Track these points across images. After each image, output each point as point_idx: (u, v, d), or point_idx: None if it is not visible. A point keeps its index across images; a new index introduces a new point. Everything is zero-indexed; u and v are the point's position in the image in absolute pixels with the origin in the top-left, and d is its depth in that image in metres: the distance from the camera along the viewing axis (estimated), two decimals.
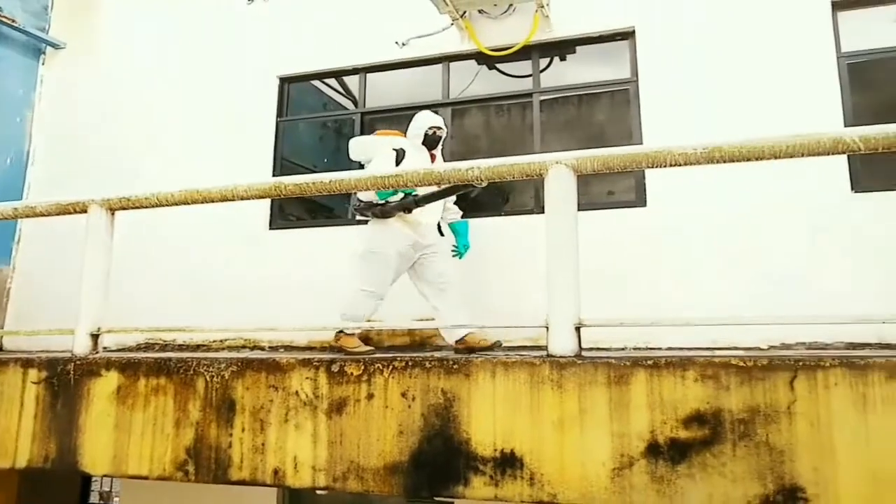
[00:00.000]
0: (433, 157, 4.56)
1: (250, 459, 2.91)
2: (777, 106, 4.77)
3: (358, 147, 4.74)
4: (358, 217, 4.58)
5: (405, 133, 4.57)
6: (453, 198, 4.61)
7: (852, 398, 2.29)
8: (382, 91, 6.14)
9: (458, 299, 4.42)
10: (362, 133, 5.96)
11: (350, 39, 6.09)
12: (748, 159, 2.61)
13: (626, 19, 5.32)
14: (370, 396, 2.79)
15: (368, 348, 4.20)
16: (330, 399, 2.83)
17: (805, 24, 4.87)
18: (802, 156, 2.55)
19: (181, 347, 5.81)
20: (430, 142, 4.50)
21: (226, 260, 5.88)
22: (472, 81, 5.90)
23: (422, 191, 4.23)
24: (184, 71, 6.60)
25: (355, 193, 4.35)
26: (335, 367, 2.85)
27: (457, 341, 4.24)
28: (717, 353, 3.10)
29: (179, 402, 3.06)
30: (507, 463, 2.57)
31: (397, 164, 4.32)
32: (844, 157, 4.51)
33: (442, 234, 4.57)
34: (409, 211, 4.29)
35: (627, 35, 5.38)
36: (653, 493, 2.40)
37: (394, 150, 4.40)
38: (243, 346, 5.68)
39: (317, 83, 6.47)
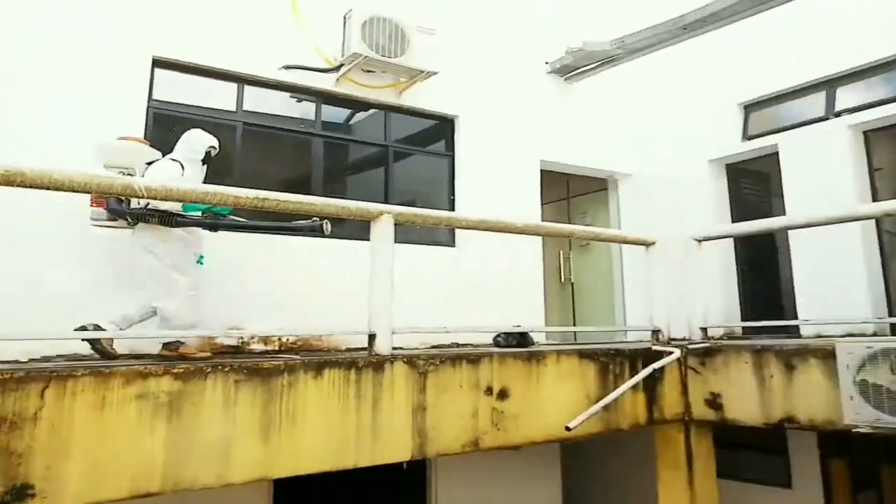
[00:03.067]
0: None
1: None
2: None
3: (116, 151, 4.33)
4: (116, 216, 4.27)
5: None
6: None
7: (93, 401, 2.69)
8: None
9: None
10: None
11: None
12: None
13: None
14: None
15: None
16: None
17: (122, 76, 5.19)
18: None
19: None
20: (207, 160, 4.54)
21: None
22: None
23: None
24: None
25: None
26: None
27: (165, 345, 4.18)
28: None
29: None
30: None
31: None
32: None
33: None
34: (215, 230, 4.53)
35: None
36: None
37: (174, 160, 4.38)
38: None
39: None
